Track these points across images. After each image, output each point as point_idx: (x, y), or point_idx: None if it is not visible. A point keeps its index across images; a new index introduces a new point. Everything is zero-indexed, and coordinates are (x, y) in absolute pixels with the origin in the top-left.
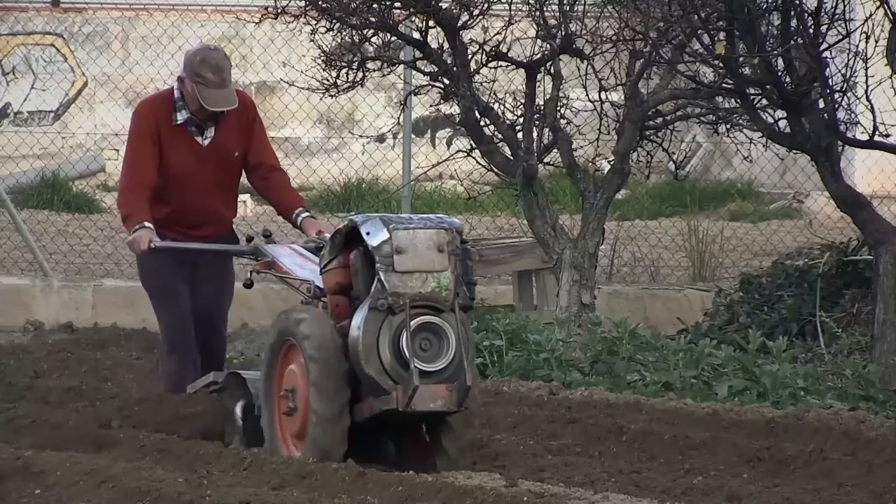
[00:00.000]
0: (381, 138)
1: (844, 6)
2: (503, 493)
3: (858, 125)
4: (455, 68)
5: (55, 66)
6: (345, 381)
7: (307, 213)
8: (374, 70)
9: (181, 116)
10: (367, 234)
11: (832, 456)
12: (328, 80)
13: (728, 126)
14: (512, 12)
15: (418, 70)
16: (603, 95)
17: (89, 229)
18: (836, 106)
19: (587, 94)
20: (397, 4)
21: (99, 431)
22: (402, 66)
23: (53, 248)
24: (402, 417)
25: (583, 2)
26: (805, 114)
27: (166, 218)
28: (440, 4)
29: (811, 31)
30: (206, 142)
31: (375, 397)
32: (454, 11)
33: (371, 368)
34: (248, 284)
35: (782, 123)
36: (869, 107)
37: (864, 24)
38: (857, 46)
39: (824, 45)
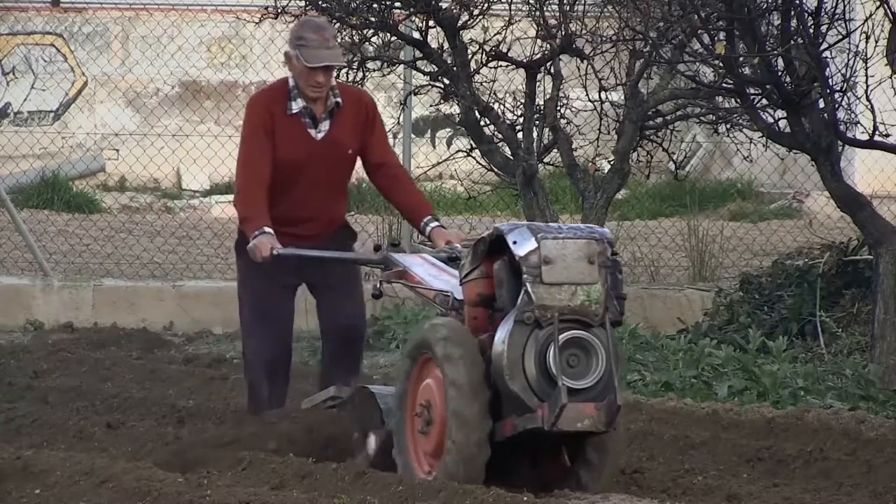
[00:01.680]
0: None
1: (844, 6)
2: (503, 494)
3: (858, 125)
4: (455, 68)
5: (55, 66)
6: (486, 403)
7: (437, 223)
8: (374, 70)
9: (296, 106)
10: (514, 243)
11: (832, 456)
12: None
13: (728, 126)
14: (512, 12)
15: (418, 70)
16: (603, 95)
17: (89, 229)
18: (836, 106)
19: (587, 94)
20: (397, 4)
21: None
22: (402, 66)
23: (53, 248)
24: (546, 437)
25: (583, 2)
26: (805, 114)
27: (273, 215)
28: (440, 4)
29: (811, 31)
30: (320, 135)
31: (518, 415)
32: (454, 11)
33: (515, 385)
34: (377, 294)
35: (782, 123)
36: (869, 107)
37: (864, 24)
38: (857, 46)
39: (824, 45)
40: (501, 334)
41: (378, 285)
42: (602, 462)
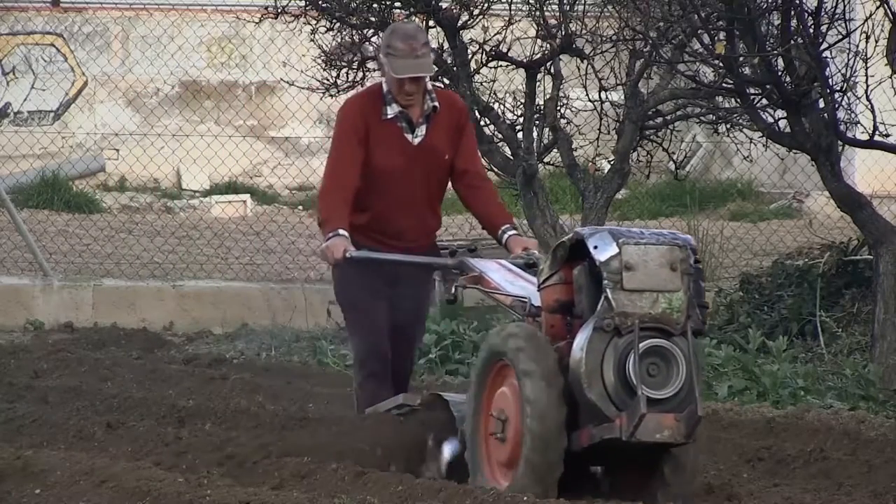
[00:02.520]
0: None
1: (844, 6)
2: (503, 494)
3: (858, 125)
4: (455, 68)
5: (55, 66)
6: (563, 415)
7: (514, 231)
8: (375, 70)
9: (391, 111)
10: (595, 248)
11: (832, 456)
12: (328, 80)
13: (728, 126)
14: (512, 12)
15: None
16: (603, 95)
17: (89, 229)
18: (836, 106)
19: (587, 94)
20: (397, 4)
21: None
22: None
23: (53, 248)
24: (623, 448)
25: (583, 2)
26: (805, 114)
27: (366, 223)
28: (440, 4)
29: (811, 30)
30: (417, 140)
31: (596, 425)
32: (454, 11)
33: (593, 393)
34: (452, 300)
35: (782, 123)
36: (869, 107)
37: (864, 24)
38: (857, 46)
39: (824, 45)
40: (580, 342)
41: (454, 291)
42: (679, 475)
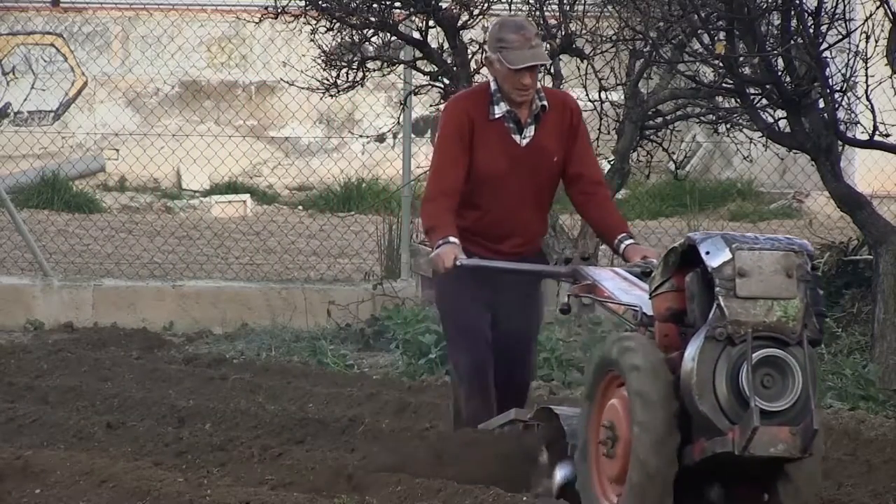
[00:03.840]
0: (381, 138)
1: (844, 6)
2: (502, 494)
3: (858, 125)
4: (455, 68)
5: (55, 66)
6: (676, 427)
7: (631, 240)
8: (374, 70)
9: (498, 110)
10: (707, 253)
11: (832, 456)
12: (328, 80)
13: (728, 126)
14: (512, 12)
15: (418, 70)
16: (603, 95)
17: (89, 229)
18: (836, 106)
19: (587, 94)
20: (397, 4)
21: None
22: (402, 66)
23: (53, 248)
24: (736, 462)
25: (583, 2)
26: (805, 114)
27: (470, 228)
28: (440, 4)
29: (811, 31)
30: (525, 141)
31: (708, 438)
32: (454, 11)
33: (705, 405)
34: (566, 310)
35: (782, 123)
36: (869, 107)
37: (864, 24)
38: (857, 46)
39: (824, 45)
40: (691, 351)
41: (567, 300)
42: (794, 491)
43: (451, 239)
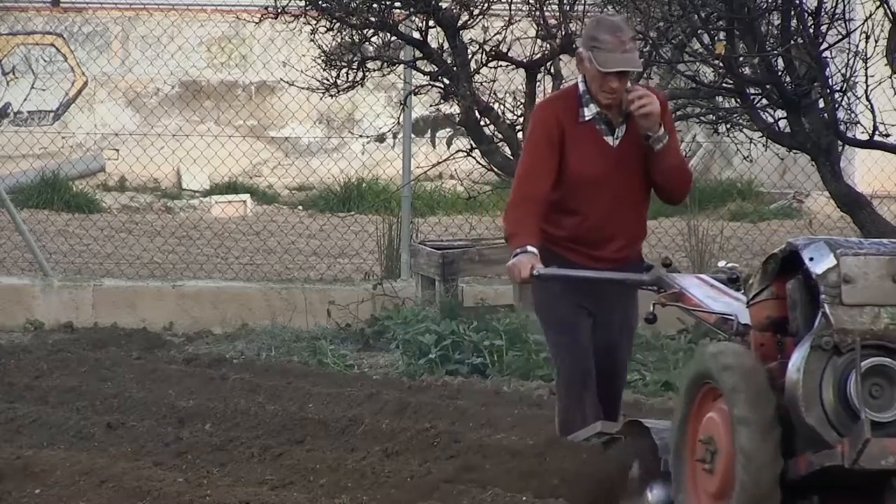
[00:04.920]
0: (381, 138)
1: (844, 6)
2: (501, 494)
3: (858, 125)
4: (455, 68)
5: (55, 66)
6: (778, 441)
7: None
8: (374, 70)
9: (588, 112)
10: (810, 259)
11: None
12: (328, 80)
13: (728, 126)
14: (512, 12)
15: (418, 70)
16: None
17: (89, 229)
18: (836, 106)
19: None
20: (397, 4)
21: None
22: (402, 66)
23: (53, 248)
24: (845, 476)
25: (583, 2)
26: (805, 114)
27: (568, 236)
28: (440, 4)
29: (811, 30)
30: (618, 142)
31: (815, 451)
32: (454, 11)
33: (811, 417)
34: (651, 319)
35: (782, 123)
36: (869, 107)
37: (864, 24)
38: (857, 46)
39: (824, 45)
40: (796, 361)
41: (652, 309)
42: None
43: (530, 248)
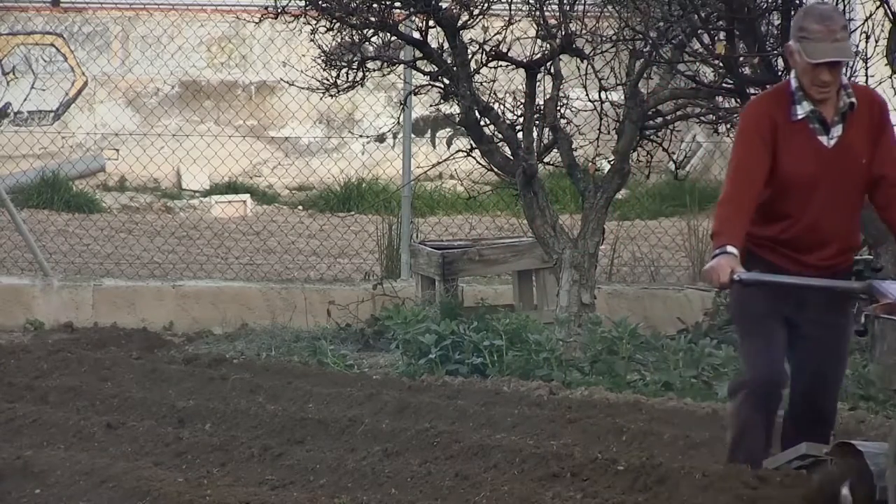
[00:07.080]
0: (381, 138)
1: (844, 6)
2: (505, 493)
3: None
4: (455, 68)
5: (55, 66)
6: None
7: None
8: (374, 70)
9: (801, 110)
10: None
11: None
12: (328, 80)
13: (728, 126)
14: (512, 12)
15: (418, 70)
16: (603, 95)
17: (89, 229)
18: None
19: (587, 94)
20: (397, 4)
21: None
22: (402, 66)
23: (53, 248)
24: None
25: (583, 2)
26: None
27: (776, 238)
28: (440, 4)
29: None
30: (833, 142)
31: None
32: (454, 11)
33: None
34: (862, 332)
35: None
36: None
37: (864, 24)
38: (857, 46)
39: None
40: None
41: (863, 320)
42: None
43: (730, 249)
